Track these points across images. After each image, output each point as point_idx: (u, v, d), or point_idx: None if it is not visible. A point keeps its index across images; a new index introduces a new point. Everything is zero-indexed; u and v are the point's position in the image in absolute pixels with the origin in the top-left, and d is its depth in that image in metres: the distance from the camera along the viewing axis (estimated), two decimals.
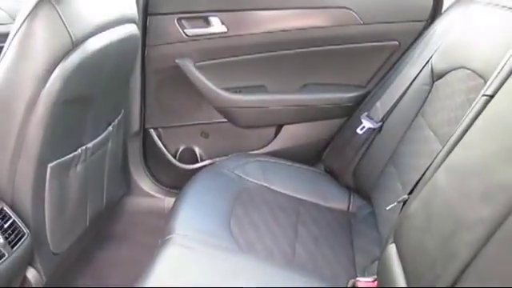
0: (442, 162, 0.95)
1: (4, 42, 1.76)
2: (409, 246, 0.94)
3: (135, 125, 1.74)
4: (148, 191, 1.83)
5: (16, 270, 1.08)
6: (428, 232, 0.88)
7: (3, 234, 1.03)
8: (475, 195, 0.77)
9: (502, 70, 0.92)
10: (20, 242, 1.07)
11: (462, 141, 0.92)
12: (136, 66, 1.62)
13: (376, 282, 1.08)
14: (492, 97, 0.90)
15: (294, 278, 1.12)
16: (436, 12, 1.58)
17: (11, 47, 1.03)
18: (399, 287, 0.90)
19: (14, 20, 1.77)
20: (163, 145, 1.81)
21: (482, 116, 0.89)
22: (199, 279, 1.04)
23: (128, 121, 1.68)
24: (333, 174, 1.66)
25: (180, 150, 1.84)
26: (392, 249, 1.01)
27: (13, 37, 1.03)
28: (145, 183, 1.83)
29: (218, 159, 1.73)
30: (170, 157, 1.82)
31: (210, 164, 1.72)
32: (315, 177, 1.65)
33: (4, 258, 1.01)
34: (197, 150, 1.84)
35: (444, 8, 1.54)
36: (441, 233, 0.82)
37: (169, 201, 1.80)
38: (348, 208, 1.51)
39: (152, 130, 1.80)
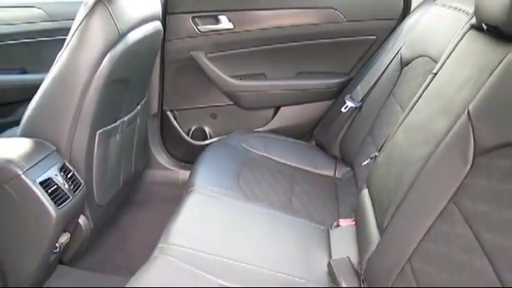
0: (400, 124, 1.27)
1: (42, 36, 2.08)
2: (376, 186, 1.26)
3: (154, 107, 2.02)
4: (165, 165, 2.12)
5: (75, 212, 1.37)
6: (388, 174, 1.19)
7: (67, 182, 1.33)
8: (419, 142, 1.09)
9: (444, 54, 1.24)
10: (78, 190, 1.36)
11: (414, 107, 1.24)
12: (156, 57, 1.90)
13: (354, 222, 1.39)
14: (436, 74, 1.22)
15: (290, 219, 1.41)
16: (405, 12, 1.88)
17: (74, 38, 1.31)
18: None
19: (51, 18, 2.10)
20: (178, 125, 2.10)
21: (429, 88, 1.21)
22: (216, 217, 1.34)
23: (149, 104, 1.95)
24: (322, 147, 1.95)
25: (192, 129, 2.12)
26: (365, 192, 1.33)
27: (75, 30, 1.31)
28: (162, 158, 2.12)
29: (225, 136, 2.00)
30: (183, 135, 2.10)
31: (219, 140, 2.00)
32: (307, 149, 1.94)
33: (69, 200, 1.30)
34: (206, 129, 2.13)
35: (412, 8, 1.84)
36: (396, 172, 1.14)
37: (183, 173, 2.07)
38: (334, 174, 1.80)
39: (169, 112, 2.09)
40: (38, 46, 2.07)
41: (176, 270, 1.09)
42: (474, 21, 1.16)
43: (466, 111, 0.93)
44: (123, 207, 1.96)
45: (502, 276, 0.70)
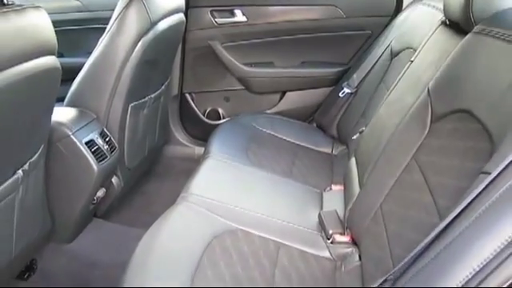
0: (383, 102, 1.52)
1: (79, 24, 2.35)
2: (360, 152, 1.51)
3: (175, 90, 2.27)
4: (182, 141, 2.36)
5: (111, 169, 1.64)
6: (370, 141, 1.45)
7: (105, 144, 1.59)
8: (394, 113, 1.35)
9: (421, 45, 1.49)
10: (114, 152, 1.63)
11: (395, 87, 1.49)
12: (178, 45, 2.15)
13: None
14: (412, 61, 1.47)
15: (290, 183, 1.66)
16: (397, 10, 2.12)
17: (114, 25, 1.57)
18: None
19: (87, 9, 2.37)
20: (195, 106, 2.35)
21: (406, 72, 1.47)
22: (227, 176, 1.60)
23: (170, 87, 2.20)
24: (321, 128, 2.18)
25: (208, 110, 2.37)
26: (352, 160, 1.58)
27: (115, 19, 1.57)
28: (180, 135, 2.37)
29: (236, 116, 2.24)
30: (200, 115, 2.35)
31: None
32: (309, 130, 2.18)
33: (107, 159, 1.57)
34: (220, 111, 2.37)
35: (404, 7, 2.08)
36: (376, 139, 1.40)
37: (198, 149, 2.31)
38: (332, 151, 2.03)
39: (187, 94, 2.34)
40: (75, 33, 2.34)
41: (195, 212, 1.35)
42: (444, 17, 1.41)
43: (427, 88, 1.18)
44: (146, 177, 2.21)
45: (437, 203, 0.96)
